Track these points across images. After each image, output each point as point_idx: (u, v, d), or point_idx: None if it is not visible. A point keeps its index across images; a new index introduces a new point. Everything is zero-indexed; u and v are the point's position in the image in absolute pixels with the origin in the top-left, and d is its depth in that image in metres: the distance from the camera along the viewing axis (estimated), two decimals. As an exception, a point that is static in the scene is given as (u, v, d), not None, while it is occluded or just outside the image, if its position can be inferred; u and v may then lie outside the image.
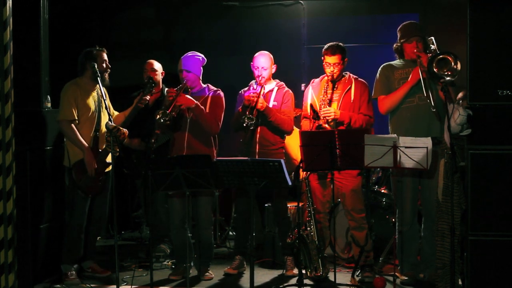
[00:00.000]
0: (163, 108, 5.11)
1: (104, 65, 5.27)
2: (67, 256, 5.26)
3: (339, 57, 5.14)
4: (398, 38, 5.08)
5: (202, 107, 5.22)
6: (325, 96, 5.15)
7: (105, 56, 5.31)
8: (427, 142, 4.40)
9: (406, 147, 4.42)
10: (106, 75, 5.28)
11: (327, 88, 5.17)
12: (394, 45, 5.13)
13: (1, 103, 4.28)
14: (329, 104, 5.12)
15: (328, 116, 5.06)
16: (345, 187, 5.19)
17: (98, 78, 5.07)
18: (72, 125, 5.13)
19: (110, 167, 5.25)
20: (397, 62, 5.12)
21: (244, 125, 5.06)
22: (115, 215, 4.59)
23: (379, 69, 5.15)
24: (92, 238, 5.45)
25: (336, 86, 5.20)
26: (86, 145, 5.15)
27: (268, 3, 7.14)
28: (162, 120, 5.00)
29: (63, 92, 5.19)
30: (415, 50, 4.91)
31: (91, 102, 5.25)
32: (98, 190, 5.27)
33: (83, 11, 6.90)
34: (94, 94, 5.30)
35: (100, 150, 5.22)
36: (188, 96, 5.20)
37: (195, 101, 5.19)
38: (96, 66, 5.10)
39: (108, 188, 5.36)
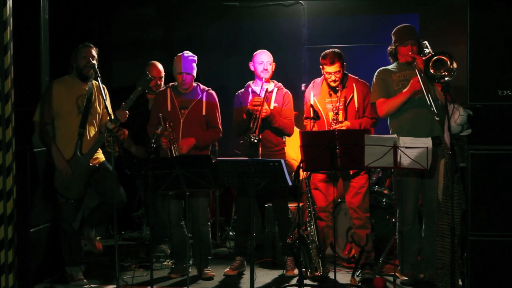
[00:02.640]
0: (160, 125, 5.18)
1: (84, 61, 5.06)
2: (67, 259, 5.25)
3: (338, 65, 5.12)
4: (393, 41, 5.07)
5: (201, 139, 5.25)
6: (336, 109, 5.12)
7: (86, 52, 5.07)
8: (427, 142, 4.40)
9: (406, 147, 4.42)
10: (90, 71, 5.03)
11: (338, 109, 5.11)
12: (389, 49, 5.12)
13: (1, 103, 4.28)
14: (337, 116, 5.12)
15: None
16: (354, 185, 5.18)
17: (99, 78, 5.00)
18: (44, 128, 5.04)
19: (103, 158, 5.21)
20: (392, 66, 5.10)
21: (253, 140, 5.10)
22: (115, 215, 4.59)
23: (376, 73, 5.13)
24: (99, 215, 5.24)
25: (341, 89, 5.17)
26: (56, 149, 5.04)
27: (268, 3, 7.14)
28: None
29: (48, 89, 5.12)
30: (410, 53, 4.91)
31: (74, 101, 5.09)
32: (79, 195, 5.11)
33: (83, 11, 6.90)
34: (82, 93, 5.13)
35: (83, 154, 5.07)
36: (186, 142, 5.20)
37: (194, 140, 5.21)
38: (96, 66, 5.02)
39: (110, 174, 5.07)
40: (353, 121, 5.12)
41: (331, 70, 5.13)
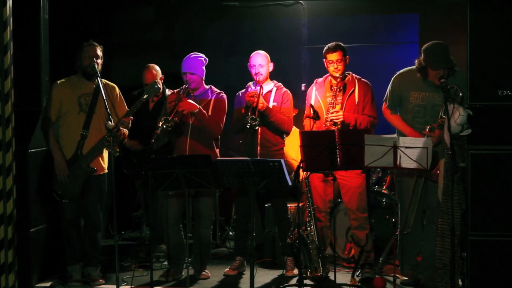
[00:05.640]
0: (165, 115, 5.09)
1: (87, 60, 5.06)
2: (68, 258, 5.25)
3: (340, 53, 5.13)
4: (422, 58, 4.76)
5: (205, 111, 5.18)
6: (334, 99, 5.14)
7: (90, 51, 5.08)
8: (428, 142, 4.40)
9: (406, 147, 4.42)
10: (96, 69, 5.00)
11: (336, 91, 5.15)
12: (417, 64, 4.81)
13: (1, 103, 4.29)
14: (334, 107, 5.12)
15: (337, 119, 5.05)
16: (350, 185, 5.19)
17: (98, 78, 4.99)
18: (49, 125, 5.08)
19: (106, 170, 5.22)
20: (419, 80, 4.86)
21: (248, 126, 5.05)
22: (115, 215, 4.58)
23: (396, 78, 4.99)
24: (88, 246, 5.25)
25: (341, 88, 5.17)
26: (57, 149, 5.06)
27: (268, 3, 7.14)
28: (164, 127, 4.95)
29: (50, 90, 5.15)
30: (439, 77, 4.62)
31: (75, 99, 5.10)
32: (75, 196, 5.09)
33: (83, 11, 6.90)
34: (86, 91, 5.14)
35: (83, 154, 5.08)
36: (191, 101, 5.17)
37: (198, 106, 5.17)
38: (95, 66, 5.01)
39: (98, 194, 5.21)
40: (350, 114, 5.12)
41: (333, 58, 5.13)
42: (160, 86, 5.58)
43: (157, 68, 5.99)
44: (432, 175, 4.70)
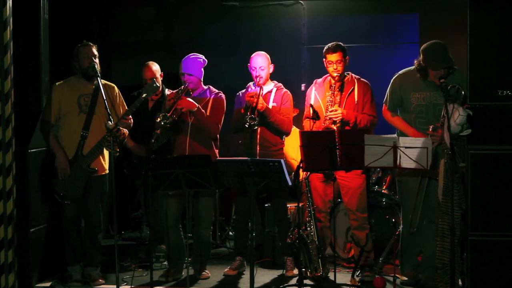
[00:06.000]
0: (164, 111, 5.10)
1: (87, 61, 5.07)
2: (68, 258, 5.25)
3: (340, 54, 5.13)
4: (421, 59, 4.76)
5: (203, 110, 5.19)
6: (333, 97, 5.14)
7: (87, 51, 5.09)
8: (427, 142, 4.40)
9: (406, 147, 4.42)
10: (96, 69, 5.03)
11: (334, 89, 5.15)
12: (416, 64, 4.80)
13: (1, 103, 4.29)
14: (333, 105, 5.12)
15: (336, 117, 5.05)
16: (350, 186, 5.19)
17: (98, 78, 5.01)
18: (49, 126, 5.08)
19: (107, 171, 5.22)
20: (419, 80, 4.84)
21: (247, 125, 5.05)
22: (115, 215, 4.59)
23: (395, 80, 4.97)
24: (88, 246, 5.25)
25: (339, 87, 5.18)
26: (58, 148, 5.06)
27: (268, 3, 7.14)
28: (162, 123, 4.97)
29: (50, 92, 5.16)
30: (439, 77, 4.59)
31: (75, 100, 5.11)
32: (76, 197, 5.09)
33: (83, 11, 6.90)
34: (85, 92, 5.15)
35: (83, 155, 5.08)
36: (190, 99, 5.17)
37: (197, 104, 5.17)
38: (96, 67, 5.02)
39: (99, 194, 5.22)
40: (350, 112, 5.11)
41: (333, 59, 5.12)
42: (159, 84, 5.58)
43: (156, 65, 5.99)
44: (437, 174, 4.70)
